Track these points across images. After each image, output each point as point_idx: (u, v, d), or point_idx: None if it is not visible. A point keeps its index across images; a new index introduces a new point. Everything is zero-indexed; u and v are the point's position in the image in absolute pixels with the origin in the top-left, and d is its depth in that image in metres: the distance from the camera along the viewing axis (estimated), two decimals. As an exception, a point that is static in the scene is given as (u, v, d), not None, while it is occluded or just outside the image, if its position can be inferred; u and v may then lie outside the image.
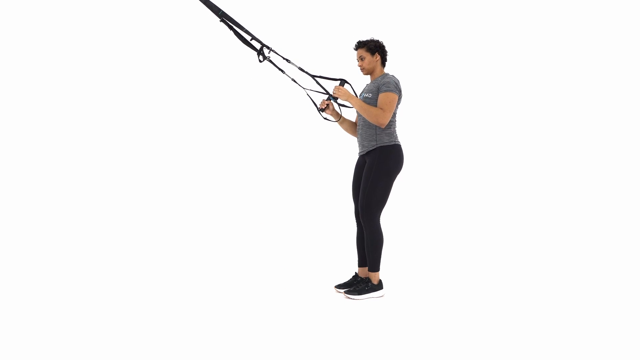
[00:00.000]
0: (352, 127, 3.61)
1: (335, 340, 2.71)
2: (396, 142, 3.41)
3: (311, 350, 2.58)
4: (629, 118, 5.93)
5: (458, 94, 6.06)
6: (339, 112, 3.57)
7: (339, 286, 3.52)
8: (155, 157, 5.84)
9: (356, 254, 3.60)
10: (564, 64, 6.02)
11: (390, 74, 3.45)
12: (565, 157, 5.94)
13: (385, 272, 3.84)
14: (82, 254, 4.46)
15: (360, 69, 3.48)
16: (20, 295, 3.42)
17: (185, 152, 5.88)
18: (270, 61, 3.52)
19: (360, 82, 3.71)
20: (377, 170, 3.35)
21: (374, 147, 3.37)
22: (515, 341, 2.68)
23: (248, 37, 3.47)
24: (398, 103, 3.40)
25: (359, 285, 3.43)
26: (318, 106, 3.53)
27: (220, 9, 3.42)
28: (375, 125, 3.37)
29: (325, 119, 3.59)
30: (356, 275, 3.53)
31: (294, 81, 3.56)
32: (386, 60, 3.51)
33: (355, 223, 3.57)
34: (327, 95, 3.51)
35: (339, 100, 3.52)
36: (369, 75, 3.51)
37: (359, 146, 3.49)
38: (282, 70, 3.54)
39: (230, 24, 3.43)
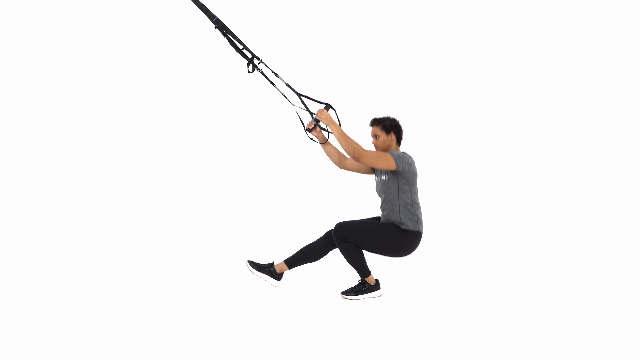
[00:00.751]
0: (335, 154, 3.52)
1: (335, 340, 2.71)
2: (418, 230, 3.32)
3: (311, 350, 2.58)
4: (631, 119, 5.75)
5: (458, 95, 5.89)
6: (325, 136, 3.49)
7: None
8: (147, 163, 5.67)
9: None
10: (564, 66, 5.82)
11: (408, 153, 3.35)
12: (565, 158, 5.77)
13: (384, 272, 3.83)
14: (82, 254, 4.47)
15: (374, 147, 3.41)
16: (17, 295, 3.47)
17: (186, 153, 5.76)
18: (262, 72, 3.44)
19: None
20: (388, 234, 3.28)
21: (400, 228, 3.32)
22: (514, 341, 2.65)
23: (240, 46, 3.41)
24: (411, 179, 3.30)
25: (356, 286, 3.40)
26: (305, 126, 3.46)
27: (215, 16, 3.36)
28: (400, 206, 3.28)
29: (311, 139, 3.52)
30: (363, 281, 3.43)
31: (284, 96, 3.46)
32: (401, 139, 3.43)
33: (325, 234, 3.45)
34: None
35: (320, 124, 3.45)
36: None
37: (381, 215, 3.42)
38: (272, 84, 3.45)
39: (223, 31, 3.37)
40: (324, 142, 3.47)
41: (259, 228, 5.30)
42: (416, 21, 5.85)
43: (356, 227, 3.29)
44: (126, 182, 5.59)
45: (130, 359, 2.48)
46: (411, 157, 3.33)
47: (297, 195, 5.69)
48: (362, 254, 3.35)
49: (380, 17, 5.84)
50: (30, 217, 5.21)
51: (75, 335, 2.77)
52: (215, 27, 3.36)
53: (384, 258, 3.80)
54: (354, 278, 3.64)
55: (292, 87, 3.44)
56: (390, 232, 3.29)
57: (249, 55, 3.41)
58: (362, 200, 4.47)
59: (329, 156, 3.51)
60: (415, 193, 3.33)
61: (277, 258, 3.59)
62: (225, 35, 3.37)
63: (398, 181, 3.29)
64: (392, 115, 3.41)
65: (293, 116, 3.75)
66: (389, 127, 3.35)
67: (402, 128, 3.41)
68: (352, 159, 3.27)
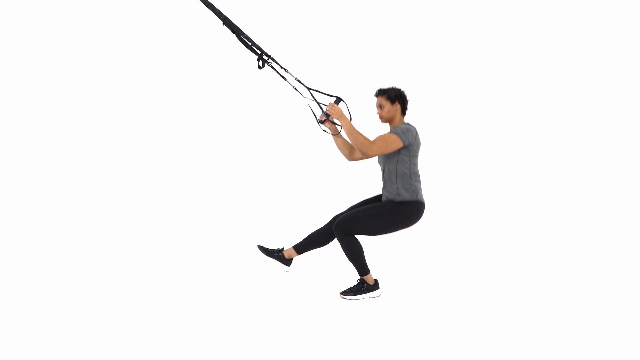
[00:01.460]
0: (345, 146, 3.54)
1: (335, 340, 2.73)
2: (417, 199, 3.34)
3: (311, 350, 2.61)
4: (632, 120, 5.76)
5: (457, 96, 5.91)
6: (337, 128, 3.53)
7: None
8: (155, 160, 5.75)
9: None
10: (565, 67, 5.83)
11: (412, 124, 3.36)
12: (565, 159, 5.78)
13: (383, 272, 3.83)
14: (82, 254, 4.39)
15: (379, 117, 3.42)
16: (16, 295, 3.45)
17: (185, 154, 5.82)
18: (272, 67, 3.47)
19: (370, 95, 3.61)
20: (386, 212, 3.31)
21: (395, 202, 3.34)
22: (514, 341, 2.68)
23: (249, 43, 3.43)
24: (413, 150, 3.31)
25: (355, 286, 3.43)
26: (317, 117, 3.50)
27: (222, 13, 3.38)
28: (397, 176, 3.31)
29: (323, 130, 3.56)
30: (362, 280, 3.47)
31: (295, 89, 3.49)
32: (406, 109, 3.43)
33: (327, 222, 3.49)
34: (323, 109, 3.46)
35: (330, 118, 3.47)
36: (387, 124, 3.46)
37: (382, 195, 3.46)
38: (283, 77, 3.48)
39: (231, 28, 3.39)
40: (336, 133, 3.51)
41: (269, 215, 5.34)
42: (426, 18, 5.85)
43: (354, 218, 3.30)
44: (138, 167, 5.69)
45: (133, 353, 2.53)
46: (415, 128, 3.32)
47: (305, 183, 5.73)
48: (363, 251, 3.37)
49: (390, 13, 5.84)
50: (30, 215, 5.20)
51: (76, 333, 2.81)
52: (224, 24, 3.38)
53: (384, 258, 3.86)
54: (352, 278, 3.64)
55: (302, 82, 3.46)
56: (388, 210, 3.31)
57: (258, 52, 3.43)
58: (369, 187, 4.49)
59: (340, 148, 3.53)
60: (415, 164, 3.34)
61: (287, 244, 3.59)
62: (233, 32, 3.39)
63: (399, 151, 3.30)
64: (397, 86, 3.41)
65: (304, 108, 3.78)
66: (393, 96, 3.35)
67: (407, 98, 3.41)
68: (361, 153, 3.28)
